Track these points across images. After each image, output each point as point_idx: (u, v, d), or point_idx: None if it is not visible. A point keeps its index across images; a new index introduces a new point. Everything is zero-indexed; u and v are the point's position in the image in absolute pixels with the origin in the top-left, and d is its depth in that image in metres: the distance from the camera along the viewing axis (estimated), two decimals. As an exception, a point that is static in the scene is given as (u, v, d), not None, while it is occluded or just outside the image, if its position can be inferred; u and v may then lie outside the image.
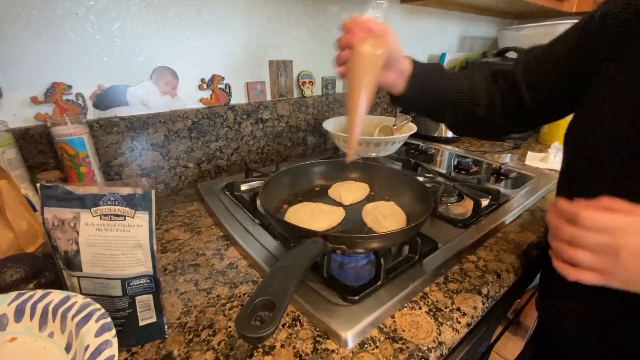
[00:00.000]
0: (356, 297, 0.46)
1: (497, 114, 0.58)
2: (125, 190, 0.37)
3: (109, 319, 0.31)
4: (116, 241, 0.37)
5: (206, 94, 0.85)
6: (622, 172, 0.40)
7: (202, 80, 0.83)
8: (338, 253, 0.47)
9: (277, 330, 0.43)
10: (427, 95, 0.56)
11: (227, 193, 0.79)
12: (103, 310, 0.32)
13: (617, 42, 0.42)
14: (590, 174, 0.44)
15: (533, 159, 1.06)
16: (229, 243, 0.62)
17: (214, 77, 0.84)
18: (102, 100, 0.72)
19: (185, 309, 0.47)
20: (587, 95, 0.46)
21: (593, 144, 0.43)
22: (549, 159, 1.03)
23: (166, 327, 0.42)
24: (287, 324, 0.44)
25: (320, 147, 1.15)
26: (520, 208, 0.74)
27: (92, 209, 0.37)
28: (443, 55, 1.41)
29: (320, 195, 0.70)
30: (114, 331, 0.30)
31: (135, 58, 0.73)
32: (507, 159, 1.10)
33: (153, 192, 0.38)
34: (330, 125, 1.02)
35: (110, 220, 0.37)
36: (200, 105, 0.85)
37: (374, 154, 0.96)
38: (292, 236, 0.49)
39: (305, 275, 0.51)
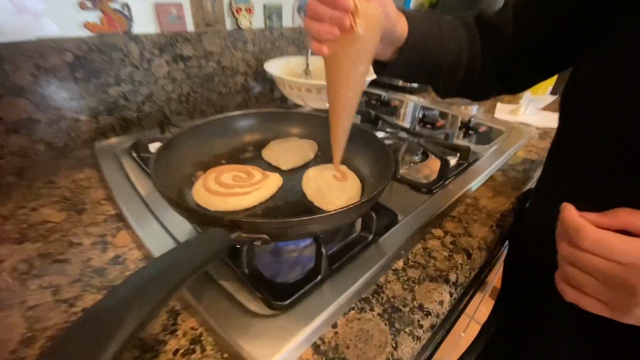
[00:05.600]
0: (286, 302, 0.33)
1: (474, 73, 0.45)
2: None
3: None
4: None
5: (92, 16, 0.61)
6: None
7: (83, -6, 0.59)
8: (258, 245, 0.33)
9: (163, 364, 0.29)
10: (421, 65, 0.42)
11: (134, 155, 0.60)
12: None
13: None
14: (598, 139, 0.34)
15: (503, 111, 0.97)
16: (121, 225, 0.45)
17: (101, -10, 0.60)
18: None
19: (29, 335, 0.31)
20: (597, 45, 0.35)
21: (603, 104, 0.33)
22: (519, 111, 0.93)
23: (-21, 374, 0.27)
24: (182, 350, 0.30)
25: (266, 96, 0.95)
26: (492, 168, 0.64)
27: None
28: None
29: (251, 157, 0.54)
30: None
31: (-48, -53, 0.47)
32: (474, 111, 1.00)
33: None
34: (276, 67, 0.83)
35: None
36: (85, 33, 0.61)
37: (327, 104, 0.79)
38: (191, 221, 0.34)
39: (217, 271, 0.37)
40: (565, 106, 0.40)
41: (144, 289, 0.20)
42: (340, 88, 0.34)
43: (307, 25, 0.32)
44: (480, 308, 0.95)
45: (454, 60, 0.43)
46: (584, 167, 0.38)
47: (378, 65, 0.43)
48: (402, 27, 0.38)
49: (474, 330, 0.77)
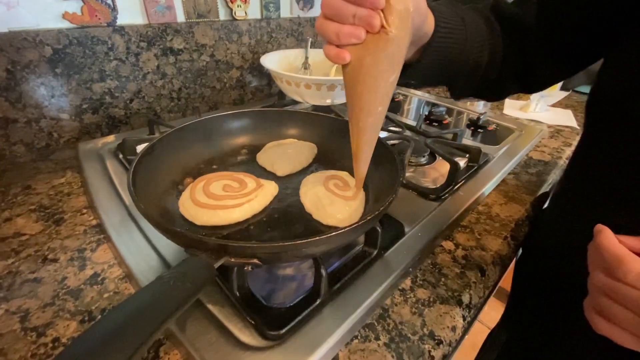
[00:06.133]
0: (281, 331, 0.30)
1: (494, 71, 0.40)
2: None
3: None
4: None
5: (72, 5, 0.56)
6: None
7: (61, -19, 0.54)
8: (248, 270, 0.29)
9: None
10: (445, 66, 0.36)
11: (120, 157, 0.56)
12: None
13: None
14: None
15: (512, 108, 0.92)
16: (102, 238, 0.41)
17: (80, -23, 0.55)
18: None
19: (-10, 372, 0.28)
20: (628, 45, 0.31)
21: (633, 108, 0.30)
22: (529, 107, 0.89)
23: None
24: (163, 391, 0.27)
25: (263, 92, 0.91)
26: (504, 171, 0.59)
27: None
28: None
29: (245, 161, 0.50)
30: None
31: None
32: (481, 107, 0.95)
33: None
34: (273, 61, 0.78)
35: None
36: (65, 24, 0.56)
37: (328, 101, 0.75)
38: (173, 241, 0.30)
39: (204, 292, 0.33)
40: (591, 110, 0.37)
41: (123, 328, 0.16)
42: (367, 103, 0.28)
43: (321, 26, 0.26)
44: (484, 308, 0.92)
45: (477, 58, 0.38)
46: (611, 175, 0.34)
47: None
48: (429, 23, 0.32)
49: (477, 329, 0.74)
